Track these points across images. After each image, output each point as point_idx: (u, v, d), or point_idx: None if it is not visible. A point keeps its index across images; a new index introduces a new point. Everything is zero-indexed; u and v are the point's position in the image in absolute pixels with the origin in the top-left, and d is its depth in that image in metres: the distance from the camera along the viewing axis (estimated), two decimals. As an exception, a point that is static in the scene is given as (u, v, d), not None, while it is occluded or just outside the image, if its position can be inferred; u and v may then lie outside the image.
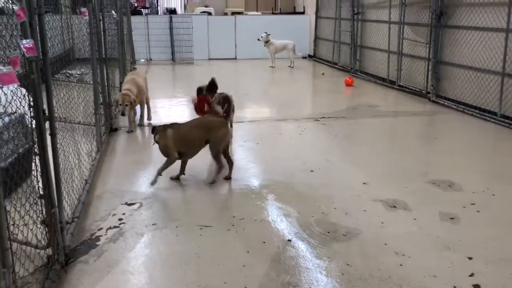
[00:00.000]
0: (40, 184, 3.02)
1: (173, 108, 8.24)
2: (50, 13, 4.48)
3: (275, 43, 13.03)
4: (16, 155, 3.88)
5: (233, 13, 16.62)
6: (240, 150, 5.89)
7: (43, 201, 3.01)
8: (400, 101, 8.92)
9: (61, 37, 8.64)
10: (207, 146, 4.74)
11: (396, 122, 7.39)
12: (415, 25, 9.21)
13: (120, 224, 3.86)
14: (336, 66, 12.95)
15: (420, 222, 3.86)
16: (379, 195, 4.41)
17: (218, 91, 5.86)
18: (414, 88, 9.27)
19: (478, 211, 4.08)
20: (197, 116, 5.63)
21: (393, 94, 9.54)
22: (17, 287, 2.46)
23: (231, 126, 6.33)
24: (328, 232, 3.70)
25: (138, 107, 6.93)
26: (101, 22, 6.46)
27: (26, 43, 2.69)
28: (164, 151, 4.66)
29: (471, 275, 3.10)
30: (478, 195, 4.41)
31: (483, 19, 7.28)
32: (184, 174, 4.84)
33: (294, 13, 17.13)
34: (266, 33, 12.97)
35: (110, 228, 3.78)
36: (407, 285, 2.99)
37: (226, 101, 5.98)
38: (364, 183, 4.71)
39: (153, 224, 3.85)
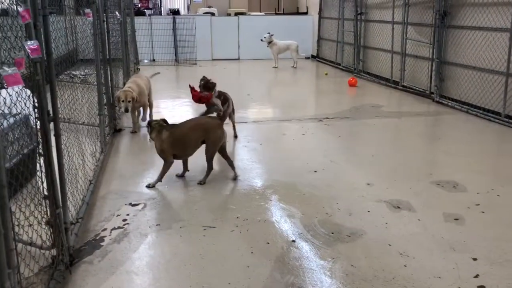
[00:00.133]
0: (45, 185, 3.03)
1: (176, 109, 8.25)
2: (54, 14, 4.50)
3: (278, 44, 13.03)
4: (21, 156, 3.89)
5: (236, 14, 16.62)
6: (244, 150, 5.89)
7: (47, 201, 3.02)
8: (404, 102, 8.90)
9: (65, 38, 8.67)
10: (202, 146, 4.74)
11: (399, 123, 7.38)
12: (418, 25, 9.19)
13: (124, 224, 3.86)
14: (340, 67, 12.93)
15: (425, 223, 3.85)
16: (383, 195, 4.40)
17: (219, 90, 5.91)
18: (417, 89, 9.25)
19: (483, 212, 4.07)
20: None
21: (396, 95, 9.53)
22: (22, 288, 2.47)
23: (234, 126, 6.34)
24: (332, 233, 3.69)
25: (141, 109, 6.93)
26: (105, 23, 6.48)
27: (31, 44, 2.70)
28: (160, 153, 4.68)
29: (476, 276, 3.09)
30: (482, 196, 4.40)
31: (487, 19, 7.26)
32: (188, 170, 4.84)
33: (297, 13, 17.13)
34: (269, 33, 12.97)
35: (114, 228, 3.79)
36: (411, 286, 2.99)
37: (226, 101, 6.01)
38: (368, 184, 4.70)
39: (157, 225, 3.86)
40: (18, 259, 2.37)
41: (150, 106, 7.19)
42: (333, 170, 5.16)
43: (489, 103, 7.28)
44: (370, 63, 11.46)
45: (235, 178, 4.80)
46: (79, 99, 5.81)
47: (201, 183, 4.69)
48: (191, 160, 4.89)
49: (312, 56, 15.22)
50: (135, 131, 6.66)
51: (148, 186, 4.63)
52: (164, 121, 4.74)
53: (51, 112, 3.02)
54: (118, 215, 4.04)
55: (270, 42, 12.95)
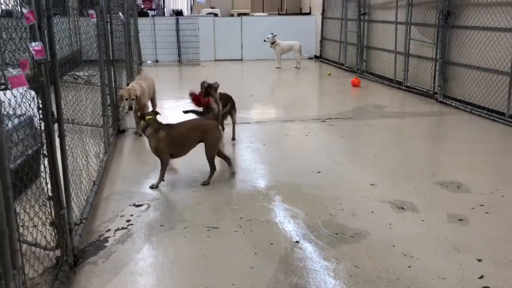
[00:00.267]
0: (49, 186, 3.04)
1: (180, 109, 8.24)
2: (58, 16, 4.51)
3: (281, 44, 13.03)
4: (25, 156, 3.91)
5: (239, 14, 16.64)
6: (247, 151, 5.89)
7: (51, 202, 3.03)
8: (407, 102, 8.88)
9: (69, 39, 8.70)
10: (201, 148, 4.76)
11: (403, 123, 7.36)
12: (422, 26, 9.18)
13: (128, 225, 3.87)
14: (343, 67, 12.92)
15: (428, 224, 3.84)
16: (386, 196, 4.39)
17: (221, 91, 5.87)
18: (421, 89, 9.23)
19: (487, 213, 4.06)
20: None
21: (400, 95, 9.51)
22: (27, 288, 2.48)
23: (234, 128, 6.29)
24: (336, 234, 3.69)
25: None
26: (109, 24, 6.50)
27: (35, 45, 2.71)
28: (156, 152, 4.70)
29: (481, 277, 3.08)
30: (486, 196, 4.39)
31: (491, 19, 7.24)
32: (163, 181, 4.79)
33: (300, 14, 17.12)
34: (272, 34, 12.98)
35: (118, 229, 3.80)
36: (415, 287, 2.98)
37: (228, 101, 6.01)
38: (372, 184, 4.69)
39: (160, 226, 3.86)
40: (22, 260, 2.38)
41: (154, 106, 7.20)
42: (337, 170, 5.16)
43: (493, 103, 7.26)
44: (374, 63, 11.45)
45: (233, 173, 4.80)
46: (83, 100, 5.82)
47: (205, 183, 4.70)
48: (193, 161, 4.89)
49: (315, 57, 15.21)
50: (139, 133, 6.67)
51: (151, 187, 4.64)
52: (156, 113, 4.84)
53: (55, 113, 3.03)
54: (122, 215, 4.05)
55: (273, 43, 12.95)
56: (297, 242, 3.58)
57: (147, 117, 4.70)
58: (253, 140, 6.31)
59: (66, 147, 3.33)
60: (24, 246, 2.81)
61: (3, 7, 2.89)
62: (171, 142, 4.62)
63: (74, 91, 5.37)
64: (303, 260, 3.32)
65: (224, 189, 4.65)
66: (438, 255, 3.37)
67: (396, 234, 3.68)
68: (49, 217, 3.05)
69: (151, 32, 14.03)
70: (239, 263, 3.29)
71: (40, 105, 2.89)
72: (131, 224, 3.88)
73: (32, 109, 2.86)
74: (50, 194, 3.03)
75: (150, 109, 7.10)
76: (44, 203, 3.05)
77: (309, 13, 16.34)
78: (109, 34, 6.53)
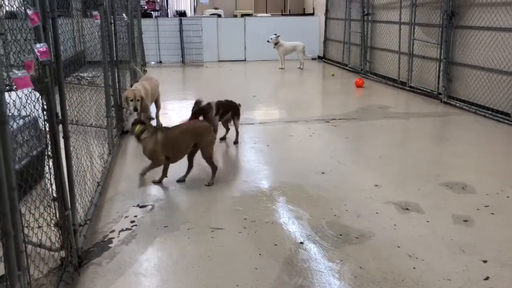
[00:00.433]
0: (54, 187, 3.04)
1: (183, 110, 8.26)
2: (63, 17, 4.52)
3: (285, 45, 13.02)
4: (29, 158, 3.92)
5: (242, 15, 16.63)
6: (251, 152, 5.89)
7: (56, 203, 3.04)
8: (411, 102, 8.86)
9: (73, 40, 8.72)
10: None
11: (407, 124, 7.34)
12: (426, 26, 9.15)
13: (132, 226, 3.87)
14: (346, 68, 12.90)
15: (433, 225, 3.83)
16: (391, 197, 4.38)
17: (225, 98, 5.90)
18: (425, 89, 9.21)
19: (492, 214, 4.04)
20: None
21: (404, 95, 9.49)
22: (32, 289, 2.48)
23: (237, 132, 6.26)
24: (340, 235, 3.68)
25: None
26: (112, 25, 6.51)
27: (40, 47, 2.72)
28: (150, 155, 4.72)
29: (486, 278, 3.07)
30: (492, 197, 4.37)
31: (495, 19, 7.21)
32: (166, 177, 4.83)
33: (304, 14, 17.11)
34: (275, 34, 12.97)
35: (122, 230, 3.80)
36: (420, 289, 2.97)
37: (230, 109, 6.02)
38: (376, 185, 4.68)
39: (165, 227, 3.86)
40: (27, 260, 2.38)
41: (158, 108, 7.21)
42: (341, 171, 5.15)
43: (498, 104, 7.23)
44: (377, 63, 11.42)
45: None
46: (87, 101, 5.84)
47: (209, 184, 4.70)
48: (196, 162, 4.89)
49: (319, 57, 15.20)
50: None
51: (154, 182, 4.75)
52: (159, 128, 4.94)
53: (59, 114, 3.03)
54: (126, 216, 4.05)
55: (276, 43, 12.95)
56: (301, 243, 3.57)
57: (145, 124, 4.79)
58: (256, 141, 6.31)
59: (71, 148, 3.33)
60: (29, 247, 2.82)
61: (7, 8, 2.90)
62: (166, 145, 4.68)
63: (78, 92, 5.39)
64: (307, 261, 3.32)
65: (228, 190, 4.65)
66: (443, 256, 3.35)
67: (401, 235, 3.67)
68: (54, 218, 3.06)
69: (154, 33, 14.04)
70: (243, 264, 3.29)
71: (45, 106, 2.90)
72: (135, 225, 3.89)
73: (37, 110, 2.87)
74: (54, 195, 3.03)
75: (153, 110, 7.11)
76: (48, 204, 3.06)
77: (312, 14, 16.33)
78: (113, 35, 6.54)
